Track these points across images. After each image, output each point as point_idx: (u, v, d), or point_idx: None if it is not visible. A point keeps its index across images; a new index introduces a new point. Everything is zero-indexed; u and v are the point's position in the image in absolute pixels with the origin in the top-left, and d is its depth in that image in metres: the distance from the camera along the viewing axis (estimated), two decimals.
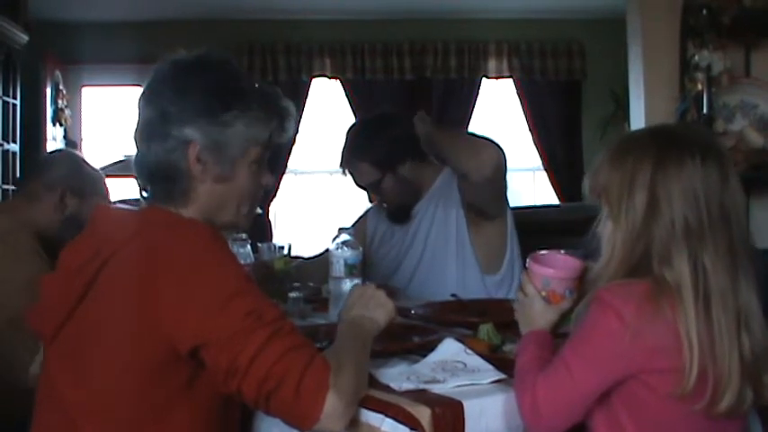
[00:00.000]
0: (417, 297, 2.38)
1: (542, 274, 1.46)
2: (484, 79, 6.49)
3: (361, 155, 2.48)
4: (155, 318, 1.29)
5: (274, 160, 1.79)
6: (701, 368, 1.24)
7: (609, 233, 1.34)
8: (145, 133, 1.45)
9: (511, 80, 6.51)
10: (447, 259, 2.49)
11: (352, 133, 2.56)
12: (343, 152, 2.55)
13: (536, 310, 1.45)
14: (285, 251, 2.40)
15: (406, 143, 2.47)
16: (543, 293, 1.46)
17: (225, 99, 1.44)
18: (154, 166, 1.44)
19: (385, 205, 2.61)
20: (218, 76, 1.47)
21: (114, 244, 1.37)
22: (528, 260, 1.50)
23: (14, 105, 5.09)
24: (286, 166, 6.37)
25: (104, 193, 2.33)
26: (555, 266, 1.47)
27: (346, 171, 2.56)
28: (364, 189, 2.56)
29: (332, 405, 1.23)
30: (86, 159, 2.39)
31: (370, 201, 2.59)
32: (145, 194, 1.50)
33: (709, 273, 1.26)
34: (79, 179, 2.27)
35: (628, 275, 1.30)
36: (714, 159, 1.30)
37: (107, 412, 1.33)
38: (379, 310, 1.52)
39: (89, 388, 1.34)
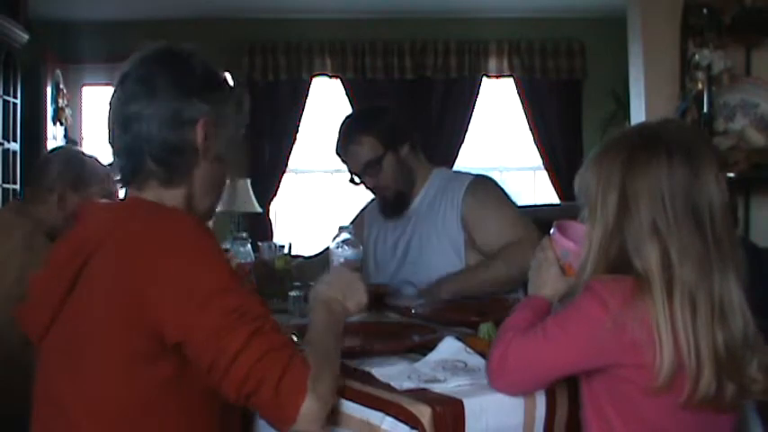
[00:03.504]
0: (415, 297, 2.39)
1: (564, 246, 1.47)
2: (484, 78, 6.50)
3: (366, 128, 2.47)
4: (140, 310, 1.29)
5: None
6: (677, 361, 1.26)
7: (587, 232, 1.38)
8: (143, 116, 1.41)
9: (511, 79, 6.52)
10: (444, 266, 2.48)
11: (355, 113, 2.60)
12: (345, 130, 2.52)
13: (551, 276, 1.48)
14: (285, 250, 2.40)
15: (406, 126, 2.54)
16: (560, 263, 1.48)
17: (217, 77, 1.48)
18: (160, 142, 1.41)
19: (376, 197, 2.59)
20: (203, 58, 1.49)
21: (97, 237, 1.36)
22: (553, 227, 1.50)
23: (15, 104, 5.10)
24: (286, 165, 6.38)
25: (104, 177, 2.35)
26: (577, 241, 1.47)
27: (344, 153, 2.50)
28: (359, 175, 2.50)
29: (309, 408, 1.24)
30: (81, 151, 2.42)
31: (367, 187, 2.53)
32: (125, 180, 1.47)
33: (675, 268, 1.28)
34: (73, 175, 2.33)
35: (608, 272, 1.34)
36: (682, 157, 1.32)
37: (101, 407, 1.33)
38: (354, 300, 1.52)
39: (82, 383, 1.34)
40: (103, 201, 1.51)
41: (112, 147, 1.46)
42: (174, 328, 1.28)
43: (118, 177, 1.48)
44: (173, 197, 1.44)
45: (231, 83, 1.52)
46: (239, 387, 1.25)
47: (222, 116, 1.46)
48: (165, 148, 1.42)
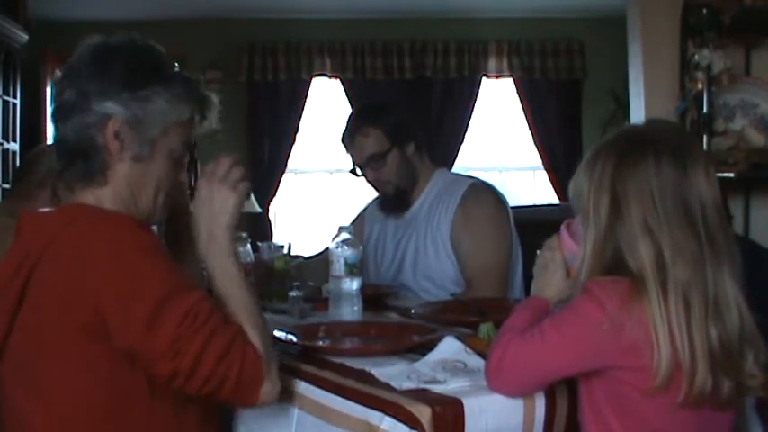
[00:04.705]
0: (415, 297, 2.40)
1: (571, 249, 1.46)
2: (484, 78, 6.50)
3: (374, 121, 2.48)
4: (93, 315, 1.29)
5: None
6: (674, 360, 1.26)
7: (582, 235, 1.39)
8: (63, 112, 1.41)
9: (511, 79, 6.52)
10: (440, 271, 2.48)
11: (364, 105, 2.60)
12: (353, 120, 2.54)
13: (557, 278, 1.49)
14: (285, 250, 2.40)
15: (413, 125, 2.57)
16: (566, 265, 1.48)
17: (146, 75, 1.42)
18: (72, 143, 1.41)
19: (377, 192, 2.60)
20: (138, 54, 1.45)
21: (38, 248, 1.34)
22: (563, 227, 1.50)
23: (14, 104, 5.09)
24: (286, 165, 6.38)
25: None
26: None
27: (350, 143, 2.51)
28: (361, 167, 2.51)
29: (266, 391, 1.34)
30: None
31: (368, 180, 2.53)
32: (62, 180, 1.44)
33: (668, 266, 1.29)
34: None
35: (603, 274, 1.35)
36: (669, 155, 1.33)
37: (63, 417, 1.33)
38: (223, 216, 1.45)
39: (42, 395, 1.34)
40: (42, 209, 1.48)
41: (52, 138, 1.47)
42: (125, 339, 1.29)
43: (56, 171, 1.46)
44: (103, 196, 1.42)
45: (171, 77, 1.45)
46: (201, 387, 1.30)
47: (138, 117, 1.40)
48: (77, 148, 1.41)
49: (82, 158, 1.41)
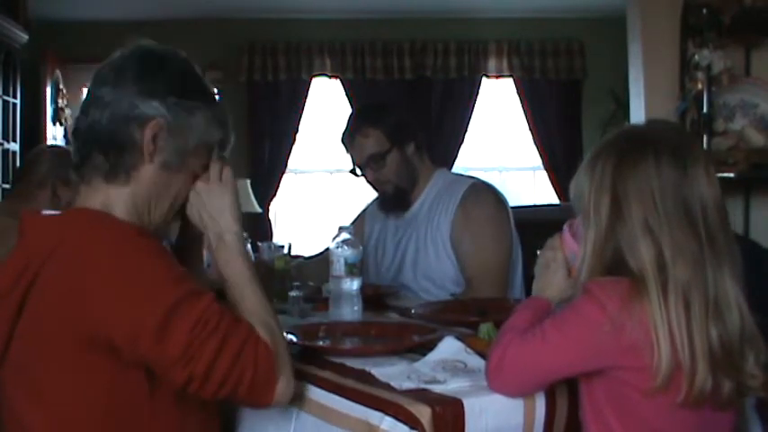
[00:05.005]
0: (415, 297, 2.40)
1: (573, 249, 1.46)
2: (484, 78, 6.51)
3: (375, 121, 2.49)
4: (92, 326, 1.28)
5: None
6: (674, 360, 1.27)
7: (583, 235, 1.40)
8: (102, 102, 1.39)
9: (511, 79, 6.52)
10: (440, 271, 2.48)
11: (364, 105, 2.59)
12: (353, 120, 2.54)
13: (558, 278, 1.49)
14: (285, 250, 2.40)
15: (413, 125, 2.57)
16: (568, 265, 1.48)
17: (192, 86, 1.44)
18: (106, 134, 1.38)
19: (377, 191, 2.60)
20: (185, 65, 1.46)
21: (42, 254, 1.33)
22: (565, 227, 1.49)
23: (14, 104, 5.10)
24: (286, 165, 6.38)
25: None
26: None
27: (350, 144, 2.51)
28: (361, 167, 2.51)
29: (281, 390, 1.34)
30: (66, 147, 2.41)
31: (368, 180, 2.53)
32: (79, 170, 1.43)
33: (669, 267, 1.29)
34: (64, 168, 2.27)
35: (604, 274, 1.35)
36: (670, 156, 1.33)
37: (67, 423, 1.32)
38: (225, 215, 1.47)
39: (45, 401, 1.33)
40: (46, 212, 1.45)
41: (74, 127, 1.44)
42: (136, 351, 1.27)
43: (73, 162, 1.44)
44: (119, 197, 1.40)
45: (213, 99, 1.48)
46: (217, 390, 1.29)
47: (180, 125, 1.40)
48: (110, 139, 1.39)
49: (112, 152, 1.39)
